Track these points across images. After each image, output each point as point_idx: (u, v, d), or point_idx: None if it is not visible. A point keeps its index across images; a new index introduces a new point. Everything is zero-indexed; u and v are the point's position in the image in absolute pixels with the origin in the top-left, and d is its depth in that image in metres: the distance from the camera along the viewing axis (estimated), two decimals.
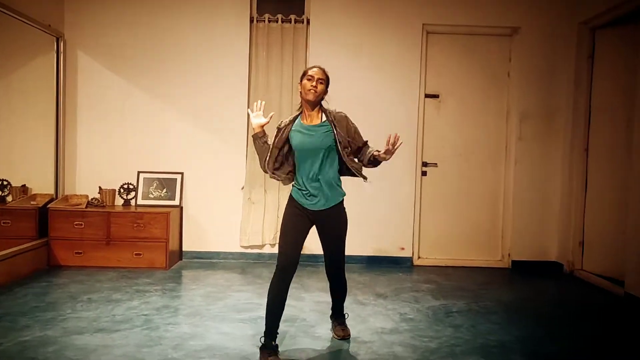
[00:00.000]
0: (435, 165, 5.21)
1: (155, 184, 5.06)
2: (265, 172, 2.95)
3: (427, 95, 5.18)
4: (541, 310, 3.86)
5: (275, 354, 2.74)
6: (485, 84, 5.22)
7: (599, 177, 4.80)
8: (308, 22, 5.06)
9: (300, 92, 2.91)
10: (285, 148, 2.91)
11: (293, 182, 2.97)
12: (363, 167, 3.02)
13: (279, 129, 2.93)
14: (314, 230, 2.96)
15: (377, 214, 5.10)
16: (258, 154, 2.95)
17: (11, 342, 2.91)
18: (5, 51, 4.39)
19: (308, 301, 3.86)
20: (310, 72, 2.87)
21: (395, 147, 2.84)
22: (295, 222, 2.86)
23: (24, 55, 4.79)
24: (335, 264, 3.01)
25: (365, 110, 5.06)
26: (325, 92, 2.91)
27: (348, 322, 3.31)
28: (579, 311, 3.89)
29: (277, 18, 5.03)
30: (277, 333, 2.81)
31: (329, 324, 3.37)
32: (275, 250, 5.11)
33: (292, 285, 4.29)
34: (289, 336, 3.14)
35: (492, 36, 5.17)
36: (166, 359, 2.75)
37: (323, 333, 3.21)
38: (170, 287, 4.15)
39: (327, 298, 3.92)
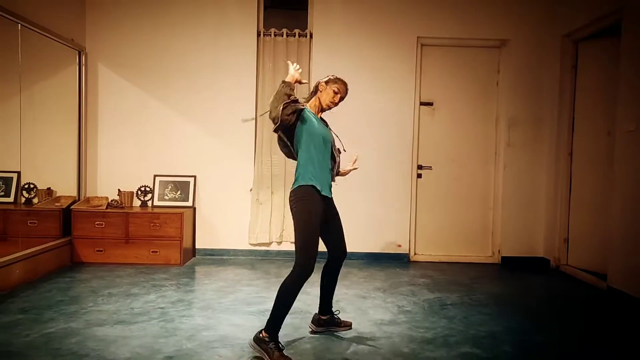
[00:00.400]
0: (430, 168, 5.21)
1: (170, 187, 5.07)
2: (276, 118, 2.66)
3: (422, 103, 5.18)
4: (529, 303, 3.85)
5: (282, 349, 2.64)
6: (475, 92, 5.22)
7: (582, 179, 4.80)
8: (311, 36, 5.06)
9: (321, 92, 2.90)
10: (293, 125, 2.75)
11: (309, 175, 2.74)
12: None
13: (298, 102, 2.77)
14: None
15: (376, 214, 5.10)
16: (277, 98, 2.68)
17: (37, 334, 2.92)
18: (31, 63, 4.40)
19: (313, 295, 3.85)
20: (340, 92, 2.90)
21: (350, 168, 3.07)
22: (318, 220, 2.70)
23: (48, 68, 4.81)
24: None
25: (365, 117, 5.07)
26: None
27: (349, 315, 3.30)
28: (565, 303, 3.88)
29: (283, 32, 5.03)
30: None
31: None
32: (282, 247, 5.11)
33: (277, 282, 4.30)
34: (293, 328, 3.14)
35: (482, 48, 5.17)
36: (181, 349, 2.75)
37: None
38: (185, 282, 4.15)
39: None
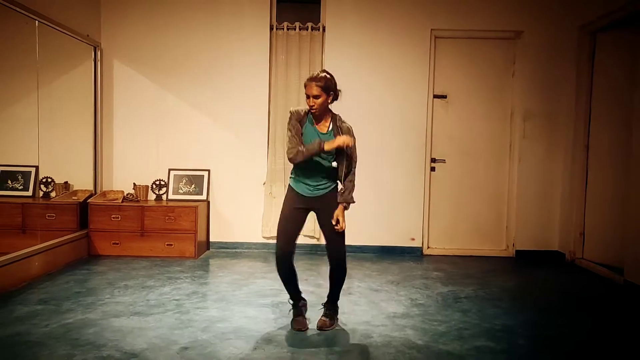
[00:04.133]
0: (443, 161, 5.17)
1: (184, 180, 5.11)
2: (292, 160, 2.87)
3: (435, 96, 5.13)
4: (544, 297, 3.81)
5: (301, 315, 2.99)
6: (490, 85, 5.15)
7: (598, 172, 4.72)
8: (324, 29, 5.04)
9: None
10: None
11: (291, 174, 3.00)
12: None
13: (297, 116, 2.87)
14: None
15: (389, 207, 5.08)
16: (306, 153, 2.81)
17: (56, 324, 2.97)
18: (48, 59, 4.46)
19: (325, 288, 3.85)
20: (305, 91, 2.81)
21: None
22: (288, 214, 2.94)
23: (64, 64, 4.86)
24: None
25: (379, 110, 5.05)
26: (327, 98, 2.82)
27: (362, 307, 3.30)
28: (580, 298, 3.83)
29: (295, 26, 5.02)
30: (301, 292, 3.05)
31: (345, 308, 3.36)
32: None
33: (310, 273, 4.32)
34: (307, 320, 3.14)
35: (497, 40, 5.10)
36: (196, 340, 2.78)
37: (340, 317, 3.20)
38: (199, 275, 4.18)
39: (344, 285, 3.92)
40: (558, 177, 5.05)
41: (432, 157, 5.15)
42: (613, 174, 4.55)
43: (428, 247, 5.20)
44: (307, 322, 3.01)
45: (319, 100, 2.79)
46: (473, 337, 2.90)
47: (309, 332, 2.94)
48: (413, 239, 5.11)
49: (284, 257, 2.91)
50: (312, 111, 2.84)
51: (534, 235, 5.08)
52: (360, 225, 5.03)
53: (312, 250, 5.09)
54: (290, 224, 2.93)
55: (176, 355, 2.58)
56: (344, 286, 3.88)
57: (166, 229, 4.72)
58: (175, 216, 4.72)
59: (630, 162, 4.05)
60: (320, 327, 2.97)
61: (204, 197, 5.07)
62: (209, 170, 5.12)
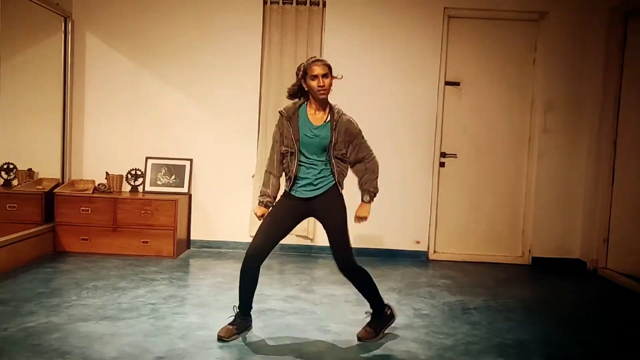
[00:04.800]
0: (454, 156, 5.18)
1: (163, 170, 5.10)
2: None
3: (447, 83, 5.13)
4: (562, 310, 3.84)
5: (234, 325, 2.96)
6: (509, 71, 5.16)
7: (627, 172, 4.74)
8: (324, 5, 5.03)
9: (307, 89, 2.89)
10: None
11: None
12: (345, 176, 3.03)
13: (287, 115, 2.92)
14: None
15: (392, 206, 5.08)
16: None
17: (15, 328, 2.96)
18: (12, 31, 4.42)
19: (319, 294, 3.87)
20: (313, 72, 2.82)
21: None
22: (271, 217, 2.98)
23: (30, 36, 4.83)
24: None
25: (383, 97, 5.05)
26: (332, 81, 2.89)
27: (359, 317, 3.31)
28: (602, 311, 3.86)
29: (292, 0, 5.00)
30: (251, 309, 3.05)
31: (340, 317, 3.39)
32: (286, 241, 5.11)
33: (302, 277, 4.33)
34: (298, 329, 3.15)
35: (517, 21, 5.11)
36: (173, 349, 2.78)
37: (333, 327, 3.22)
38: (178, 276, 4.18)
39: (337, 291, 3.94)
40: (581, 177, 5.07)
41: (442, 151, 5.16)
42: None
43: (435, 252, 5.21)
44: (235, 336, 2.96)
45: (328, 80, 2.83)
46: (482, 353, 2.91)
47: (301, 343, 2.95)
48: (418, 242, 5.12)
49: (255, 260, 2.91)
50: (320, 94, 2.84)
51: (553, 241, 5.11)
52: (359, 225, 5.02)
53: (305, 251, 5.10)
54: (275, 228, 2.94)
55: None
56: (339, 292, 3.90)
57: (142, 225, 4.71)
58: (153, 210, 4.71)
59: None
60: (360, 338, 2.98)
61: (185, 189, 5.07)
62: (191, 160, 5.11)
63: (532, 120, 5.16)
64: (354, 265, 2.96)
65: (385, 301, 3.12)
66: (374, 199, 3.05)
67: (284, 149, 2.93)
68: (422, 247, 5.13)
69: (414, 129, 5.06)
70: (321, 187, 2.92)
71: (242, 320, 3.03)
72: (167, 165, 5.11)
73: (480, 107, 5.18)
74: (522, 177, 5.22)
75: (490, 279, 4.55)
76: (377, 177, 3.06)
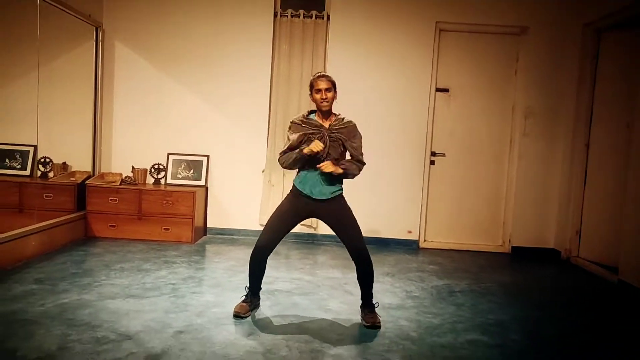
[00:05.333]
0: (443, 155, 5.17)
1: (183, 165, 5.10)
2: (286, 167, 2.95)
3: (438, 90, 5.12)
4: (538, 294, 3.84)
5: (247, 302, 2.98)
6: (493, 80, 5.14)
7: (598, 171, 4.73)
8: (328, 18, 5.01)
9: (313, 102, 2.92)
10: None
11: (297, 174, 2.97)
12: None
13: (297, 124, 2.90)
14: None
15: (387, 199, 5.08)
16: (288, 160, 2.88)
17: (52, 304, 2.98)
18: (48, 39, 4.42)
19: (321, 277, 3.88)
20: (317, 86, 2.84)
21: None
22: (283, 215, 2.93)
23: (65, 44, 4.82)
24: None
25: (380, 102, 5.04)
26: (335, 95, 2.89)
27: (356, 297, 3.31)
28: (574, 295, 3.86)
29: (299, 13, 4.99)
30: (260, 289, 3.06)
31: (340, 298, 3.40)
32: (293, 230, 5.12)
33: (306, 261, 4.34)
34: (302, 308, 3.16)
35: (501, 35, 5.08)
36: (191, 324, 2.79)
37: (334, 307, 3.23)
38: (195, 260, 4.19)
39: (338, 275, 3.95)
40: (557, 175, 5.06)
41: (432, 150, 5.15)
42: (612, 173, 4.56)
43: (425, 241, 5.21)
44: (249, 313, 2.98)
45: (331, 94, 2.84)
46: (466, 331, 2.92)
47: (305, 321, 2.96)
48: (410, 232, 5.12)
49: (264, 253, 2.92)
50: (323, 106, 2.84)
51: (531, 232, 5.10)
52: (357, 216, 5.02)
53: (308, 239, 5.11)
54: (282, 225, 2.92)
55: (171, 339, 2.59)
56: (339, 275, 3.91)
57: (163, 213, 4.72)
58: (173, 201, 4.72)
59: (630, 162, 4.06)
60: (373, 324, 2.89)
61: (202, 182, 5.07)
62: (208, 156, 5.12)
63: (513, 124, 5.14)
64: (368, 258, 2.92)
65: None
66: (341, 172, 2.85)
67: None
68: (413, 237, 5.13)
69: (407, 130, 5.05)
70: (332, 192, 2.90)
71: (254, 298, 3.04)
72: (186, 160, 5.11)
73: (467, 111, 5.17)
74: (503, 175, 5.21)
75: (474, 265, 4.55)
76: (354, 171, 2.94)
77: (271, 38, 5.01)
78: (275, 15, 5.02)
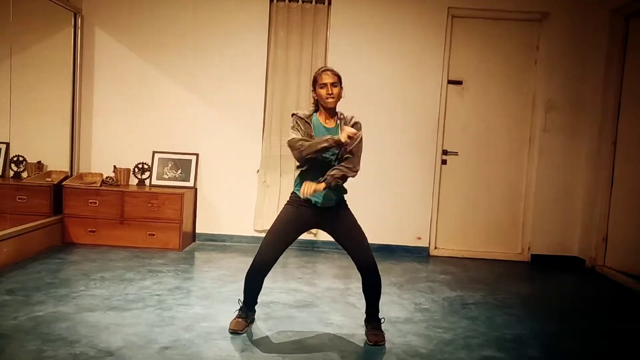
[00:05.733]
0: (456, 154, 5.18)
1: (170, 165, 5.11)
2: (300, 159, 2.86)
3: (450, 82, 5.13)
4: (560, 306, 3.85)
5: (243, 318, 2.96)
6: (511, 71, 5.15)
7: (626, 171, 4.73)
8: (329, 3, 5.02)
9: (316, 98, 2.88)
10: None
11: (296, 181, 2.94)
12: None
13: (302, 119, 2.85)
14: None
15: (394, 202, 5.09)
16: (313, 148, 2.74)
17: (25, 317, 2.99)
18: (23, 26, 4.43)
19: (321, 288, 3.89)
20: (322, 80, 2.81)
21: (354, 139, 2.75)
22: (282, 226, 2.90)
23: (40, 31, 4.84)
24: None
25: (386, 95, 5.05)
26: (341, 91, 2.86)
27: (361, 310, 3.32)
28: (600, 308, 3.86)
29: None
30: (256, 304, 3.04)
31: (342, 311, 3.40)
32: None
33: (305, 270, 4.34)
34: (300, 322, 3.17)
35: (520, 21, 5.09)
36: (178, 339, 2.80)
37: (335, 320, 3.24)
38: (183, 269, 4.20)
39: (339, 285, 3.96)
40: (581, 175, 5.07)
41: (444, 149, 5.16)
42: None
43: (435, 248, 5.22)
44: (246, 328, 2.97)
45: (337, 89, 2.82)
46: (481, 347, 2.93)
47: (304, 336, 2.97)
48: (419, 238, 5.13)
49: (263, 272, 2.91)
50: (329, 102, 2.81)
51: (552, 239, 5.11)
52: (362, 221, 5.02)
53: (308, 246, 5.12)
54: (283, 238, 2.88)
55: (156, 355, 2.60)
56: (341, 286, 3.92)
57: (148, 218, 4.73)
58: (159, 204, 4.73)
59: None
60: (375, 343, 2.88)
61: (191, 183, 5.08)
62: (197, 155, 5.13)
63: (533, 119, 5.15)
64: (376, 268, 2.92)
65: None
66: (329, 183, 2.74)
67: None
68: (423, 243, 5.14)
69: (416, 126, 5.06)
70: (335, 197, 2.88)
71: (249, 313, 3.03)
72: (173, 159, 5.12)
73: (482, 105, 5.17)
74: (522, 175, 5.22)
75: (490, 275, 4.56)
76: (344, 175, 2.80)
77: (267, 24, 5.03)
78: (271, 0, 5.02)
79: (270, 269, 2.92)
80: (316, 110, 2.92)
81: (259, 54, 5.04)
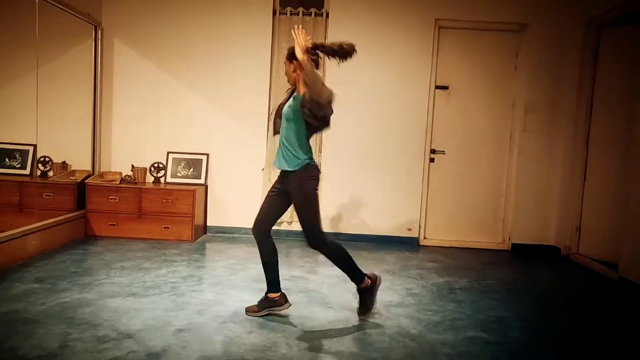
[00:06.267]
0: (443, 152, 5.17)
1: (183, 164, 5.11)
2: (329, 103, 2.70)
3: (437, 87, 5.12)
4: (539, 291, 3.85)
5: (260, 301, 2.95)
6: (493, 77, 5.14)
7: (597, 167, 4.73)
8: (327, 16, 5.01)
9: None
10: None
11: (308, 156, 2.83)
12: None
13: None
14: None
15: (387, 197, 5.09)
16: (319, 83, 2.66)
17: (52, 303, 2.99)
18: (48, 39, 4.42)
19: (322, 275, 3.89)
20: (285, 59, 2.91)
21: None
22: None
23: (64, 42, 4.82)
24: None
25: (379, 99, 5.04)
26: (291, 65, 2.82)
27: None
28: (575, 292, 3.87)
29: (299, 11, 4.99)
30: (279, 282, 2.96)
31: (340, 296, 3.41)
32: (293, 227, 5.15)
33: (307, 259, 4.34)
34: (303, 306, 3.17)
35: (501, 32, 5.08)
36: (191, 323, 2.80)
37: (335, 304, 3.24)
38: (196, 258, 4.20)
39: (339, 273, 3.93)
40: (557, 172, 5.07)
41: (432, 148, 5.15)
42: (612, 170, 4.56)
43: (425, 238, 5.22)
44: (259, 312, 2.96)
45: (287, 67, 2.87)
46: (466, 328, 2.93)
47: (305, 319, 2.96)
48: (410, 229, 5.13)
49: (258, 228, 2.88)
50: (288, 82, 2.92)
51: (531, 229, 5.11)
52: (358, 214, 5.05)
53: (287, 235, 5.10)
54: (265, 204, 2.92)
55: (171, 337, 2.60)
56: (340, 273, 3.92)
57: (163, 212, 4.73)
58: (173, 199, 4.73)
59: (630, 158, 4.06)
60: (360, 315, 2.96)
61: (202, 181, 5.08)
62: (207, 155, 5.12)
63: (513, 120, 5.14)
64: (321, 243, 2.87)
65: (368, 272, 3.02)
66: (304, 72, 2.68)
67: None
68: (413, 234, 5.14)
69: (407, 128, 5.05)
70: (291, 164, 2.79)
71: (275, 294, 2.94)
72: (186, 159, 5.12)
73: (467, 108, 5.16)
74: (503, 172, 5.21)
75: (474, 262, 4.56)
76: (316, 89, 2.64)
77: (270, 36, 5.01)
78: (274, 13, 5.01)
79: (267, 225, 2.87)
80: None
81: (263, 62, 5.03)
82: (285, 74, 2.91)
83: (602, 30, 4.72)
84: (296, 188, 2.79)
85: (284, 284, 3.57)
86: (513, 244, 5.12)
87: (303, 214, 2.82)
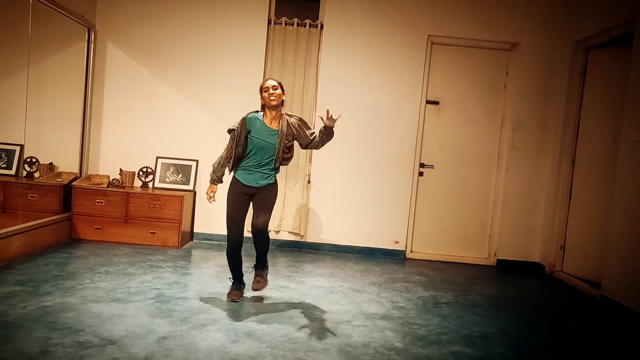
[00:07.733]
0: (432, 167, 5.21)
1: (171, 169, 5.08)
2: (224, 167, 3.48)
3: (428, 102, 5.17)
4: (523, 307, 3.87)
5: (237, 290, 3.39)
6: (483, 94, 5.21)
7: (583, 186, 4.80)
8: (322, 27, 5.04)
9: (264, 103, 3.27)
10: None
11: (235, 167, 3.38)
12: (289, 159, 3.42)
13: (244, 122, 3.30)
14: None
15: (375, 209, 5.10)
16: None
17: (34, 306, 2.93)
18: (40, 39, 4.38)
19: (307, 285, 3.87)
20: (265, 86, 3.24)
21: (335, 118, 3.20)
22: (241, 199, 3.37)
23: (57, 43, 4.79)
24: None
25: (370, 112, 5.07)
26: (283, 94, 3.26)
27: (343, 307, 3.31)
28: (558, 310, 3.90)
29: (293, 22, 5.02)
30: (242, 276, 3.44)
31: (326, 306, 3.39)
32: (280, 237, 5.13)
33: (293, 269, 4.32)
34: (288, 316, 3.15)
35: (492, 50, 5.16)
36: (175, 330, 2.77)
37: (319, 315, 3.23)
38: (181, 265, 4.16)
39: (324, 283, 3.95)
40: (543, 189, 5.13)
41: (421, 162, 5.19)
42: (597, 189, 4.63)
43: (411, 251, 5.24)
44: (242, 296, 3.38)
45: (278, 91, 3.22)
46: (451, 343, 2.93)
47: (291, 329, 2.95)
48: (397, 242, 5.14)
49: (238, 245, 3.34)
50: (271, 100, 3.19)
51: (516, 246, 5.15)
52: (345, 225, 5.06)
53: (295, 246, 5.10)
54: (241, 212, 3.36)
55: (154, 344, 2.56)
56: (326, 284, 3.92)
57: (150, 217, 4.69)
58: (161, 205, 4.69)
59: (615, 178, 4.13)
60: (256, 289, 3.31)
61: (190, 187, 5.05)
62: (197, 161, 5.10)
63: (502, 137, 5.21)
64: (267, 227, 3.30)
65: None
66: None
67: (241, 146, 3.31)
68: (400, 247, 5.15)
69: (397, 141, 5.09)
70: (268, 180, 3.32)
71: (240, 284, 3.42)
72: (175, 164, 5.09)
73: (456, 124, 5.22)
74: (491, 187, 5.26)
75: (460, 277, 4.58)
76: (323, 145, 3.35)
77: (264, 45, 5.03)
78: (269, 23, 5.04)
79: (242, 238, 3.37)
80: (263, 111, 3.30)
81: (257, 71, 5.04)
82: (276, 96, 3.21)
83: (590, 51, 4.81)
84: (272, 191, 3.39)
85: (270, 294, 3.57)
86: (498, 260, 5.15)
87: (271, 206, 3.41)
